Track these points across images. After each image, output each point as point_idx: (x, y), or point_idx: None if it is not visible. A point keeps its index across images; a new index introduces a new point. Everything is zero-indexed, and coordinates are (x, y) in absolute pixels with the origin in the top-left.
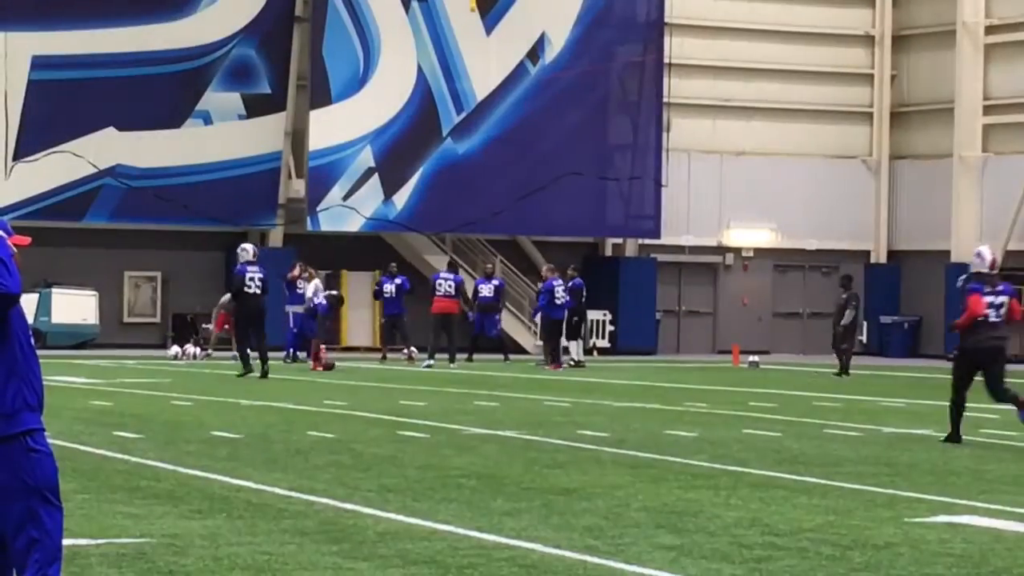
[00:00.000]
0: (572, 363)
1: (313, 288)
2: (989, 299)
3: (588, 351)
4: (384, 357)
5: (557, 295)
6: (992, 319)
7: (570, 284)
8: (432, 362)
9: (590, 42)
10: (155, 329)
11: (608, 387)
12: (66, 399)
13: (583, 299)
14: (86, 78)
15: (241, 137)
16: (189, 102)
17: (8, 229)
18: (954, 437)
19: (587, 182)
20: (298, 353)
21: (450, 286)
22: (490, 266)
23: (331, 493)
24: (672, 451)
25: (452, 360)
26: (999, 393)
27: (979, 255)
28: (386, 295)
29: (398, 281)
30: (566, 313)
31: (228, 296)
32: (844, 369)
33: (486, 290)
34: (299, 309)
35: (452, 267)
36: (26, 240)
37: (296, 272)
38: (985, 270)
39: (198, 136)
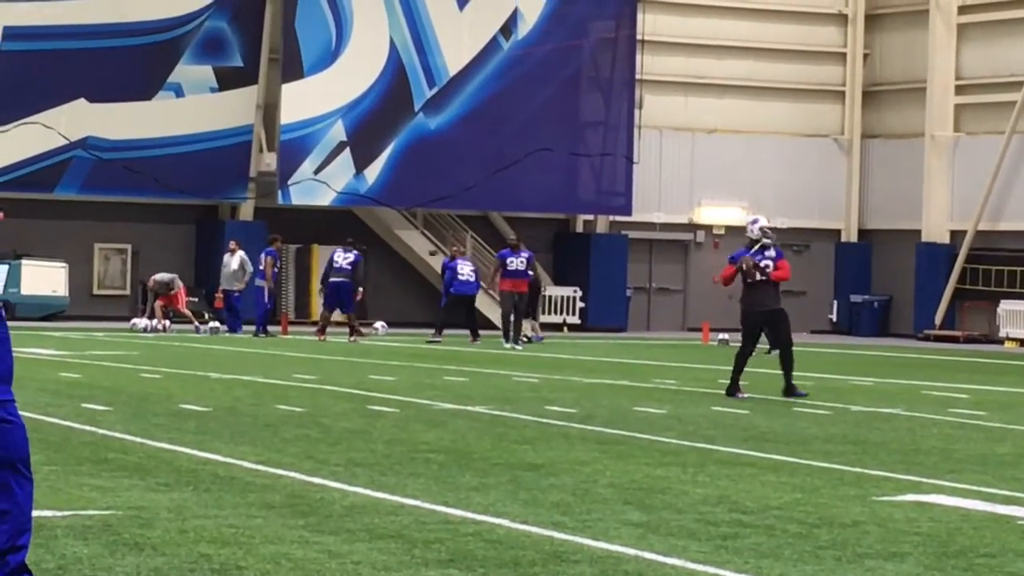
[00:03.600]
0: (526, 339)
1: (239, 261)
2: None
3: (559, 327)
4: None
5: (461, 273)
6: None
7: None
8: (513, 344)
9: (563, 18)
10: (124, 301)
11: (577, 363)
12: (34, 371)
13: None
14: (58, 49)
15: (213, 110)
16: (161, 74)
17: None
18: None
19: (559, 158)
20: (268, 328)
21: (521, 263)
22: (455, 247)
23: (298, 467)
24: (640, 428)
25: (507, 338)
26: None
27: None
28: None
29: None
30: (475, 289)
31: (162, 276)
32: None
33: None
34: (265, 284)
35: (515, 248)
36: None
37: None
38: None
39: (169, 109)
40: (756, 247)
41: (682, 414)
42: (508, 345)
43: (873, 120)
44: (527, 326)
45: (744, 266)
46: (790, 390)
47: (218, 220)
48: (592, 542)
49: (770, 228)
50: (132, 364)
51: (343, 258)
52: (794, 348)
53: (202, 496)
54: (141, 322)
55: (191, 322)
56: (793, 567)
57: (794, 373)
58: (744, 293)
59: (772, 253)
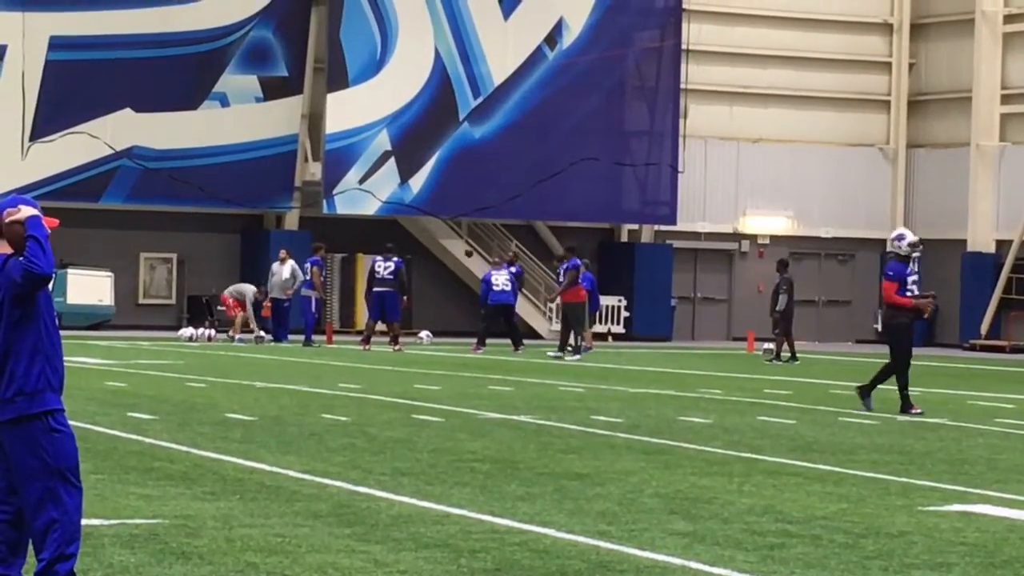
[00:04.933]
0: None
1: (290, 270)
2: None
3: (603, 336)
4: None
5: (496, 284)
6: None
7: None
8: (560, 354)
9: (608, 27)
10: (170, 311)
11: (622, 373)
12: (80, 380)
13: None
14: (104, 59)
15: (258, 119)
16: (206, 84)
17: (40, 210)
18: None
19: (603, 168)
20: (312, 337)
21: (559, 274)
22: (511, 253)
23: (344, 476)
24: (686, 437)
25: (560, 349)
26: None
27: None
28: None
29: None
30: (511, 299)
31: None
32: (778, 354)
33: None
34: (314, 293)
35: (560, 259)
36: (55, 222)
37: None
38: None
39: (215, 118)
40: (911, 263)
41: (728, 424)
42: (551, 355)
43: (918, 129)
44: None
45: (926, 313)
46: (864, 396)
47: (263, 229)
48: (638, 552)
49: (918, 241)
50: (177, 373)
51: (384, 267)
52: (843, 358)
53: (248, 505)
54: (186, 331)
55: (234, 332)
56: None
57: (839, 382)
58: (888, 306)
59: (918, 270)
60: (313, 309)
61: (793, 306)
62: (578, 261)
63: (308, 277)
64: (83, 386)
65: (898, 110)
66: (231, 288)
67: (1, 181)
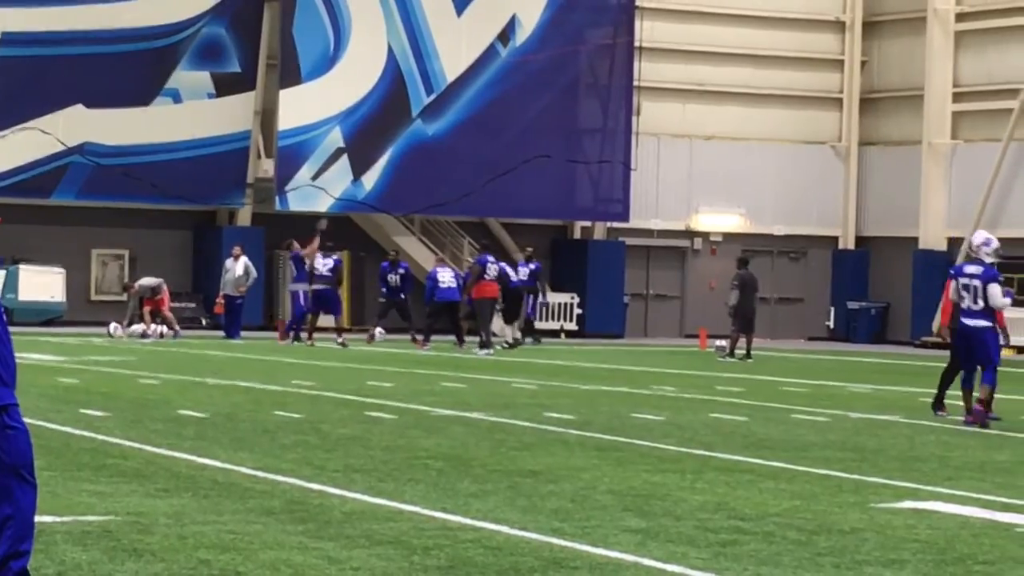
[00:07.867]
0: (506, 344)
1: (243, 267)
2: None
3: (556, 333)
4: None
5: (442, 281)
6: None
7: (532, 267)
8: (491, 351)
9: (561, 25)
10: (122, 307)
11: (575, 370)
12: (32, 376)
13: (510, 281)
14: (55, 55)
15: (210, 116)
16: (158, 80)
17: None
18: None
19: (556, 165)
20: (300, 333)
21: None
22: (529, 249)
23: (297, 473)
24: (639, 434)
25: (481, 346)
26: None
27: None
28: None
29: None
30: (457, 296)
31: (148, 280)
32: (731, 351)
33: (523, 273)
34: (304, 287)
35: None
36: None
37: (313, 246)
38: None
39: (167, 114)
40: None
41: (680, 421)
42: (487, 352)
43: (871, 127)
44: (508, 329)
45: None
46: (938, 404)
47: (216, 226)
48: (591, 548)
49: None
50: (130, 370)
51: (323, 264)
52: (795, 356)
53: (201, 502)
54: (138, 328)
55: (172, 326)
56: (792, 574)
57: (791, 380)
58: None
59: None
60: (302, 303)
61: (750, 303)
62: (485, 258)
63: (295, 272)
64: (35, 383)
65: (850, 108)
66: (142, 287)
67: None
